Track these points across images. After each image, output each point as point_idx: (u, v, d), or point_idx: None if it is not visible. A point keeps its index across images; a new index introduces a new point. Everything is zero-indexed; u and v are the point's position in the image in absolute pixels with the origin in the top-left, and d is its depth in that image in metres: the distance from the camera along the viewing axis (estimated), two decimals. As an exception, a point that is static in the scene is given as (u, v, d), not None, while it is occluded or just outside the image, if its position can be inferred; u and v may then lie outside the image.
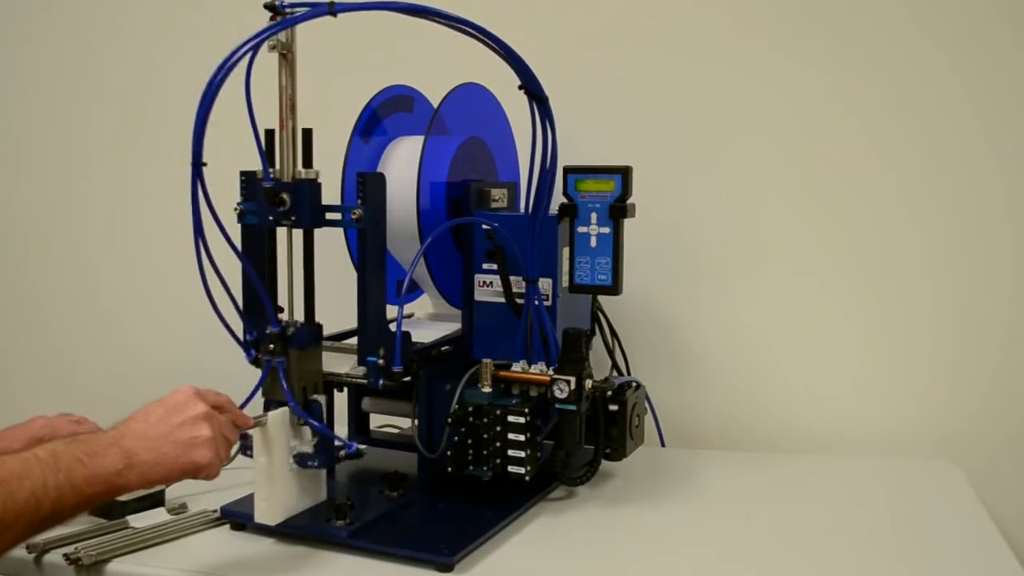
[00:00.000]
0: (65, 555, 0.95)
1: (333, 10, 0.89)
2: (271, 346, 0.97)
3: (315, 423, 0.99)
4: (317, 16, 0.89)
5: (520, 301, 1.12)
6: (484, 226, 1.12)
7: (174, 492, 1.12)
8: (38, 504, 0.75)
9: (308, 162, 1.00)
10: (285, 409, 0.98)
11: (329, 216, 0.99)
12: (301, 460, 1.00)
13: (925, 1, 1.30)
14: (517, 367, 1.08)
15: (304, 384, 1.00)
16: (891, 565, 0.96)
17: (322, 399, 1.02)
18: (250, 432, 0.96)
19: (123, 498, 1.05)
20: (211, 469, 0.87)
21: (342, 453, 1.00)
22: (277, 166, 0.98)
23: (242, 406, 1.00)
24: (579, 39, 1.42)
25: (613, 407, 1.10)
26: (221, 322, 0.98)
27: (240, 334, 1.02)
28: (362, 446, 1.01)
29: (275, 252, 1.03)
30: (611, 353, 1.35)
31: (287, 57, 0.96)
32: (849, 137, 1.34)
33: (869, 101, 1.33)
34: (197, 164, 0.88)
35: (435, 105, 1.17)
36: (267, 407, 0.99)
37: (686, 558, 0.99)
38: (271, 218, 0.97)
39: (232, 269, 0.97)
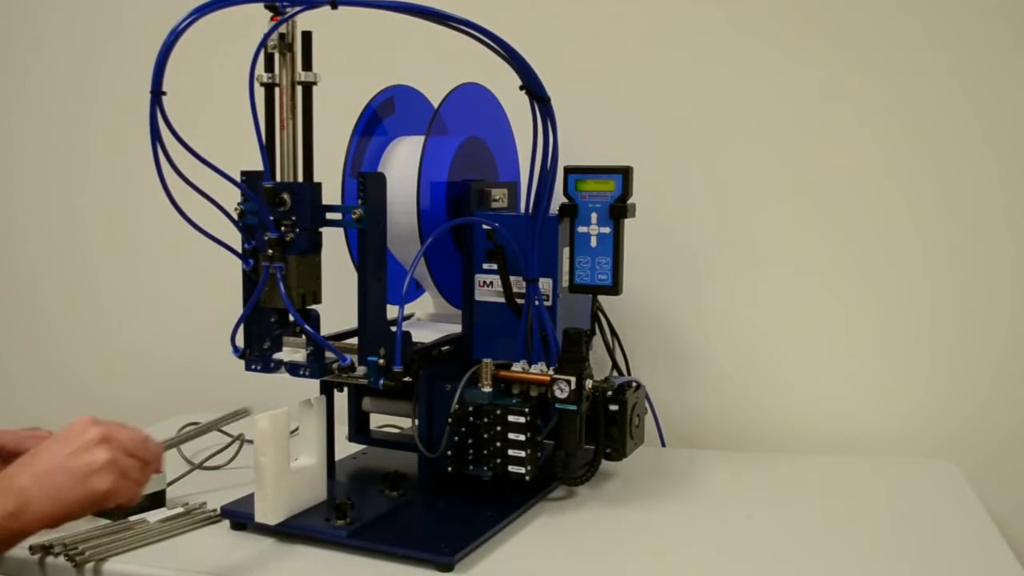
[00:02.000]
0: (65, 554, 0.95)
1: (334, 1, 0.88)
2: (270, 251, 0.95)
3: (312, 332, 0.97)
4: (317, 6, 0.89)
5: (520, 301, 1.12)
6: (484, 226, 1.12)
7: (175, 492, 1.13)
8: None
9: (309, 162, 1.00)
10: (285, 409, 0.98)
11: (329, 216, 0.99)
12: (293, 368, 0.98)
13: (925, 1, 1.30)
14: (517, 367, 1.08)
15: (303, 291, 0.98)
16: (891, 565, 0.96)
17: (318, 309, 1.00)
18: (247, 437, 0.95)
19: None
20: (119, 495, 0.83)
21: (335, 365, 0.98)
22: (278, 166, 0.98)
23: (239, 321, 0.98)
24: (580, 39, 1.42)
25: (613, 407, 1.10)
26: (211, 239, 0.96)
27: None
28: (358, 447, 0.99)
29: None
30: (611, 353, 1.35)
31: (288, 57, 0.96)
32: (849, 137, 1.34)
33: (869, 101, 1.33)
34: (156, 93, 0.85)
35: (435, 105, 1.17)
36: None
37: (686, 558, 0.99)
38: (271, 218, 0.97)
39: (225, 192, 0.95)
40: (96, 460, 0.82)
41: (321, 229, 0.99)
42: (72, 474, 0.80)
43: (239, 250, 0.99)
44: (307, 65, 0.97)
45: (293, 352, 1.00)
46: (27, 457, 0.82)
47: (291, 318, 0.97)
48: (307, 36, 0.97)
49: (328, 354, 0.99)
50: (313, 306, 1.00)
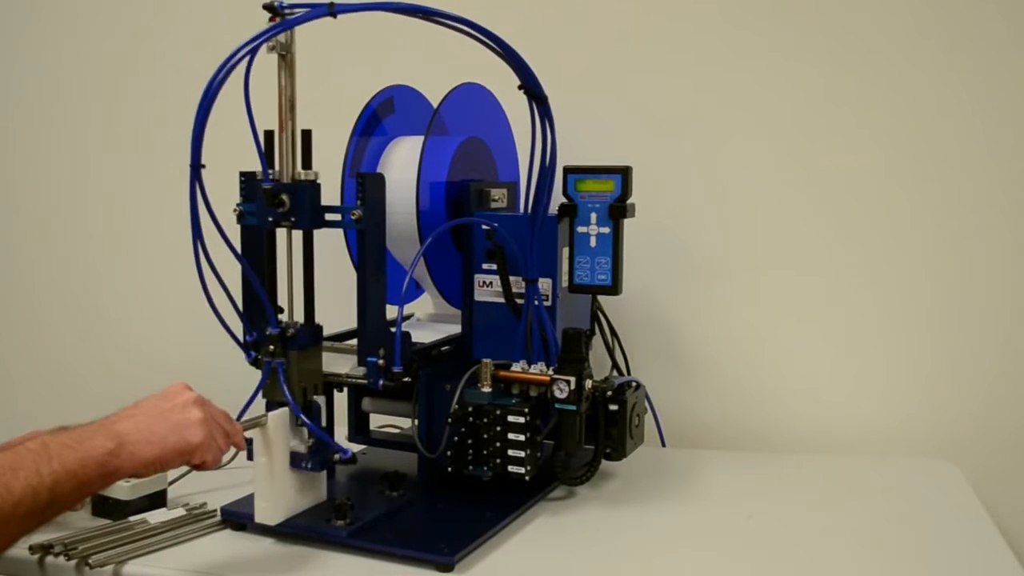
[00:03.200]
0: (65, 554, 0.95)
1: (333, 11, 0.89)
2: (271, 347, 0.97)
3: (313, 426, 0.99)
4: (317, 17, 0.89)
5: (520, 301, 1.12)
6: (484, 226, 1.12)
7: (176, 492, 1.13)
8: (35, 493, 0.75)
9: (307, 163, 1.00)
10: (285, 409, 0.98)
11: (329, 217, 0.99)
12: (295, 461, 0.99)
13: (925, 1, 1.30)
14: (517, 367, 1.08)
15: (304, 385, 1.00)
16: (891, 565, 0.96)
17: (322, 400, 1.02)
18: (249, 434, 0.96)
19: (127, 497, 1.05)
20: (206, 452, 0.87)
21: (336, 457, 1.00)
22: (276, 167, 0.98)
23: (243, 409, 1.00)
24: (579, 39, 1.42)
25: (613, 407, 1.10)
26: (221, 323, 0.98)
27: (240, 335, 1.02)
28: (358, 447, 1.00)
29: (275, 253, 1.03)
30: (611, 353, 1.35)
31: (286, 58, 0.96)
32: (849, 137, 1.34)
33: (869, 101, 1.33)
34: (196, 166, 0.88)
35: (435, 105, 1.17)
36: (268, 408, 0.99)
37: (686, 558, 0.99)
38: (271, 219, 0.97)
39: (232, 270, 0.97)
40: (191, 416, 0.87)
41: (319, 231, 1.00)
42: (169, 424, 0.85)
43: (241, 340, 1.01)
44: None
45: (297, 443, 1.00)
46: (128, 408, 0.87)
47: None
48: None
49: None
50: (315, 397, 1.01)
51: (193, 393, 0.90)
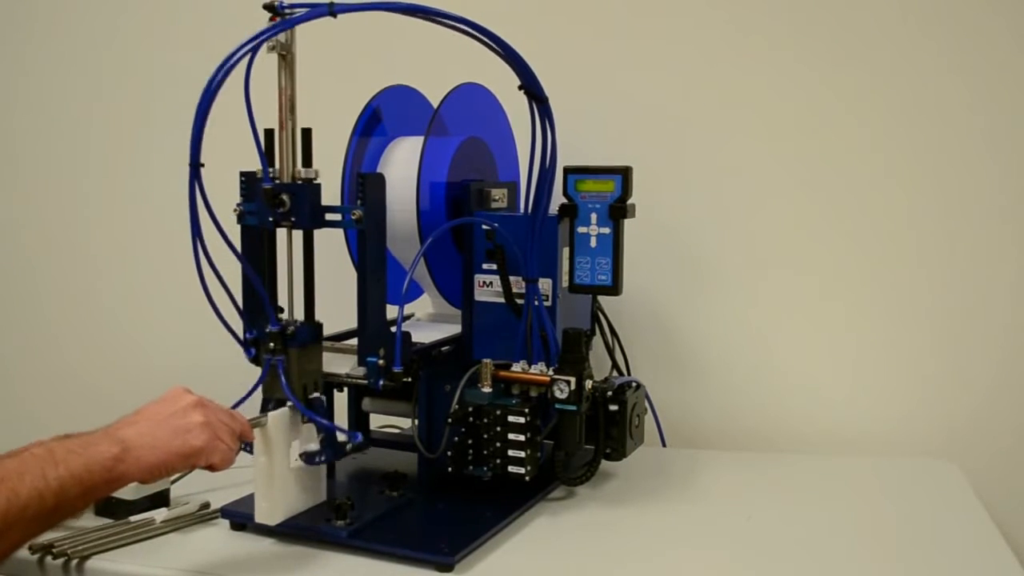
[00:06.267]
0: (65, 553, 0.95)
1: (333, 11, 0.89)
2: (271, 345, 0.97)
3: (319, 419, 0.99)
4: (317, 17, 0.89)
5: (520, 301, 1.12)
6: (484, 226, 1.12)
7: (176, 491, 1.13)
8: (41, 498, 0.75)
9: (308, 162, 1.00)
10: (285, 410, 0.98)
11: (329, 217, 0.99)
12: (309, 458, 0.99)
13: (925, 1, 1.30)
14: (517, 367, 1.08)
15: (304, 383, 1.00)
16: (891, 565, 0.96)
17: (323, 397, 1.02)
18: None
19: (129, 497, 1.05)
20: (212, 454, 0.88)
21: (349, 446, 1.00)
22: (277, 166, 0.98)
23: (240, 402, 1.00)
24: (579, 39, 1.42)
25: (613, 407, 1.10)
26: (221, 322, 0.98)
27: (240, 333, 1.02)
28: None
29: (275, 252, 1.03)
30: (611, 353, 1.35)
31: (286, 58, 0.96)
32: (849, 137, 1.34)
33: (869, 101, 1.33)
34: (195, 165, 0.89)
35: (435, 105, 1.17)
36: (264, 406, 0.99)
37: (686, 558, 0.99)
38: (271, 219, 0.97)
39: (232, 268, 0.97)
40: (193, 420, 0.87)
41: (319, 231, 1.00)
42: (171, 429, 0.86)
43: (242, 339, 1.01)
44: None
45: (306, 442, 1.00)
46: (129, 416, 0.87)
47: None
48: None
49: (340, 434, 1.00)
50: (316, 394, 1.01)
51: (193, 396, 0.90)
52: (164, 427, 0.86)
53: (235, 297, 0.99)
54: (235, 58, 0.86)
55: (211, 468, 0.89)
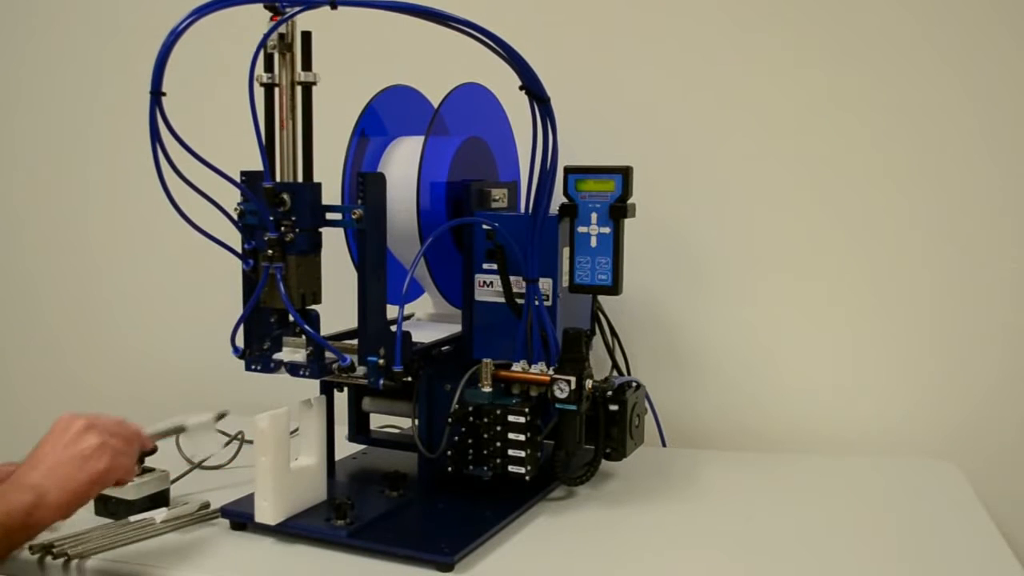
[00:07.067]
0: (65, 554, 0.95)
1: (334, 1, 0.88)
2: (270, 252, 0.95)
3: (312, 332, 0.97)
4: (317, 6, 0.89)
5: (520, 301, 1.12)
6: (484, 226, 1.12)
7: (176, 491, 1.13)
8: None
9: (308, 162, 1.00)
10: (285, 409, 0.98)
11: (329, 216, 0.99)
12: (293, 369, 0.98)
13: (925, 1, 1.30)
14: (517, 367, 1.08)
15: (303, 291, 0.98)
16: (891, 565, 0.96)
17: (319, 309, 1.00)
18: (247, 437, 0.96)
19: (129, 497, 1.06)
20: (116, 472, 0.89)
21: (336, 365, 0.99)
22: (277, 166, 0.98)
23: (237, 326, 0.98)
24: (580, 39, 1.42)
25: (613, 407, 1.10)
26: (211, 239, 0.96)
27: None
28: (358, 447, 0.99)
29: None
30: (611, 353, 1.35)
31: (287, 57, 0.96)
32: (849, 137, 1.34)
33: (869, 101, 1.33)
34: (156, 93, 0.87)
35: (435, 105, 1.17)
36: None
37: (686, 558, 0.99)
38: (271, 218, 0.97)
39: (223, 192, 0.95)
40: (89, 445, 0.88)
41: (321, 229, 1.00)
42: (73, 460, 0.87)
43: (239, 250, 0.99)
44: (307, 65, 0.98)
45: (293, 352, 1.00)
46: (28, 460, 0.88)
47: (291, 318, 0.97)
48: (307, 36, 0.97)
49: (328, 354, 0.99)
50: (313, 306, 1.00)
51: (81, 419, 0.90)
52: (66, 461, 0.86)
53: (228, 211, 0.97)
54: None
55: (118, 484, 0.91)
